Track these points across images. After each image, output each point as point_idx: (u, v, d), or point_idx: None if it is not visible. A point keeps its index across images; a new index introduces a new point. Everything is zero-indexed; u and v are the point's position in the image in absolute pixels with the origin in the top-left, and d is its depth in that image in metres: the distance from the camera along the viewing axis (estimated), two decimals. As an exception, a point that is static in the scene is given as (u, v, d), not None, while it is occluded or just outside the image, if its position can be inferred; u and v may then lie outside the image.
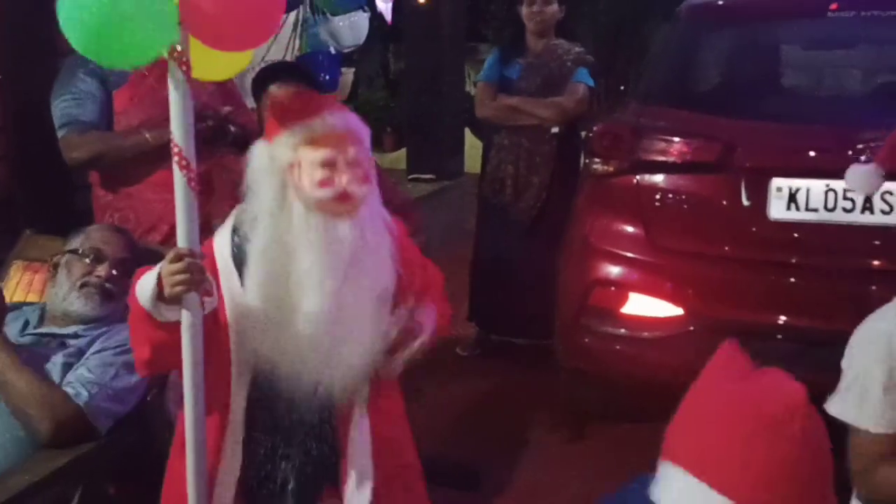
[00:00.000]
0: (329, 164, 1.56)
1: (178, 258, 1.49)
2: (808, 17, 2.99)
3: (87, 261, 2.12)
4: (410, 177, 6.85)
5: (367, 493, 1.69)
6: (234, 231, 1.70)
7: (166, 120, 2.53)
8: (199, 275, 1.50)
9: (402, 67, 8.46)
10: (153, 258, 2.25)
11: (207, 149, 2.55)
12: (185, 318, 1.53)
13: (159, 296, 1.51)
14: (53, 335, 2.07)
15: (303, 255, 1.58)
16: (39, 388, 1.85)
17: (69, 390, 1.88)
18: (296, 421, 1.70)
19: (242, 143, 2.51)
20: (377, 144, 8.69)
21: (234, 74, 1.81)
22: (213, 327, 1.63)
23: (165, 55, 1.48)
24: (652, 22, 7.51)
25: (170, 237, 2.57)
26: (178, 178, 1.52)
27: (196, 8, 1.42)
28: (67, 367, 1.97)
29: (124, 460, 2.02)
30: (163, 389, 2.17)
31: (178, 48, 1.47)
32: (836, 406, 1.57)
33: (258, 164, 1.64)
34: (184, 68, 1.49)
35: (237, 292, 1.64)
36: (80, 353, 2.01)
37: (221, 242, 1.71)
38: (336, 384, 1.64)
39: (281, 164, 1.60)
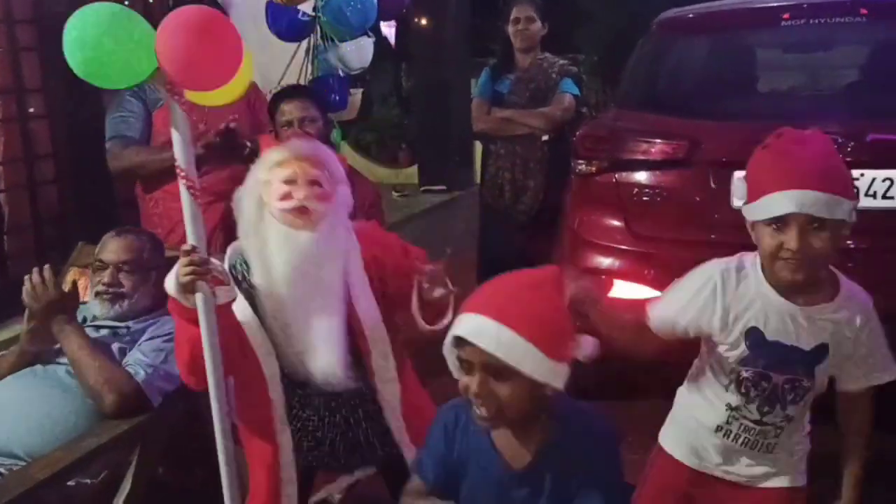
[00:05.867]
0: (290, 181, 1.84)
1: (186, 254, 1.77)
2: (765, 27, 3.28)
3: (94, 271, 2.44)
4: (423, 188, 7.14)
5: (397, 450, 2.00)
6: (232, 266, 1.99)
7: (194, 138, 2.90)
8: (204, 267, 1.76)
9: (413, 85, 8.77)
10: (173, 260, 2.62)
11: (221, 161, 2.91)
12: (199, 301, 1.79)
13: (182, 288, 1.79)
14: (108, 326, 2.40)
15: (272, 257, 1.87)
16: (106, 368, 2.17)
17: (129, 370, 2.21)
18: (331, 397, 1.99)
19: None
20: (393, 161, 9.06)
21: (230, 100, 2.04)
22: (237, 338, 1.90)
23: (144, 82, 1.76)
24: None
25: (184, 239, 2.94)
26: (183, 191, 1.80)
27: (167, 57, 1.68)
28: (122, 352, 2.30)
29: (173, 429, 2.35)
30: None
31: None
32: None
33: (245, 185, 1.93)
34: (176, 98, 1.77)
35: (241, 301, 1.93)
36: (133, 340, 2.34)
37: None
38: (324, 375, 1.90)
39: (258, 182, 1.89)
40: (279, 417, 1.98)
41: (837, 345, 1.70)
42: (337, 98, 3.59)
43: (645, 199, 3.03)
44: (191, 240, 1.80)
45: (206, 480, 2.47)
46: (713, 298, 1.75)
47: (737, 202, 2.86)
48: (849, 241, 2.71)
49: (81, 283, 2.69)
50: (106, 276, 2.40)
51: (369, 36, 3.70)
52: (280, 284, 1.87)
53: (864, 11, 3.01)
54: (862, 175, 2.70)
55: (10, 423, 2.15)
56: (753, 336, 1.71)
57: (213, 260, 1.84)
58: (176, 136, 1.79)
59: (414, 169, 7.69)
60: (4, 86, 3.44)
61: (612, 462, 1.51)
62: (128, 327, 2.40)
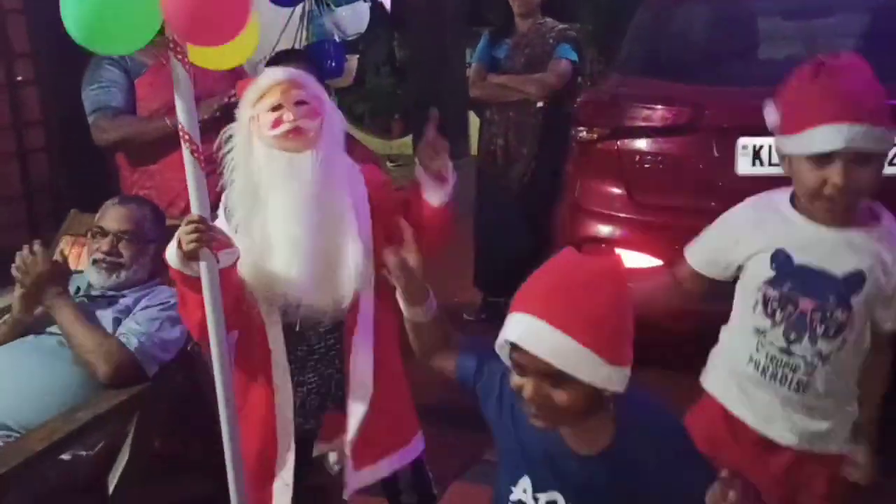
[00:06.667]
0: (276, 108, 1.81)
1: (190, 222, 1.73)
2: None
3: (93, 237, 2.39)
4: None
5: (365, 404, 1.95)
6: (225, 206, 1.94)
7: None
8: (208, 233, 1.73)
9: (407, 54, 8.66)
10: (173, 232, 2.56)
11: (216, 131, 2.83)
12: (203, 268, 1.76)
13: (185, 255, 1.75)
14: (103, 296, 2.36)
15: (273, 192, 1.81)
16: (99, 338, 2.15)
17: (121, 339, 2.18)
18: (305, 351, 1.96)
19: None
20: (386, 131, 8.97)
21: (238, 63, 1.98)
22: (237, 286, 1.86)
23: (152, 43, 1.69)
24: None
25: (185, 211, 2.85)
26: (187, 155, 1.74)
27: (171, 9, 1.61)
28: (117, 321, 2.27)
29: (172, 400, 2.32)
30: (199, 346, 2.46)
31: (176, 39, 1.68)
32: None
33: (234, 128, 1.88)
34: (179, 57, 1.70)
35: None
36: (128, 309, 2.31)
37: (219, 215, 1.95)
38: (334, 307, 1.86)
39: (244, 121, 1.85)
40: (280, 369, 1.93)
41: (882, 272, 1.62)
42: (333, 64, 3.52)
43: (647, 166, 2.99)
44: (195, 208, 1.76)
45: (204, 452, 2.46)
46: (743, 226, 1.73)
47: (741, 169, 2.82)
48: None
49: (74, 252, 2.67)
50: (105, 245, 2.35)
51: (365, 0, 3.62)
52: (287, 214, 1.81)
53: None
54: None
55: (2, 395, 2.11)
56: (780, 257, 1.65)
57: (216, 225, 1.80)
58: (179, 99, 1.73)
59: (408, 139, 7.62)
60: (-9, 51, 3.36)
61: (688, 449, 1.40)
62: (123, 296, 2.36)
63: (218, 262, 1.77)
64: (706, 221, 2.87)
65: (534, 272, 1.36)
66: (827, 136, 1.52)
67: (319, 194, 1.82)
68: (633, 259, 2.97)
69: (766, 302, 1.69)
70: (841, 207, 1.59)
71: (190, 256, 1.74)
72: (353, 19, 3.64)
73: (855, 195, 1.58)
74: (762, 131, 2.74)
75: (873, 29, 3.33)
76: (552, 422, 1.34)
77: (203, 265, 1.76)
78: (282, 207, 1.81)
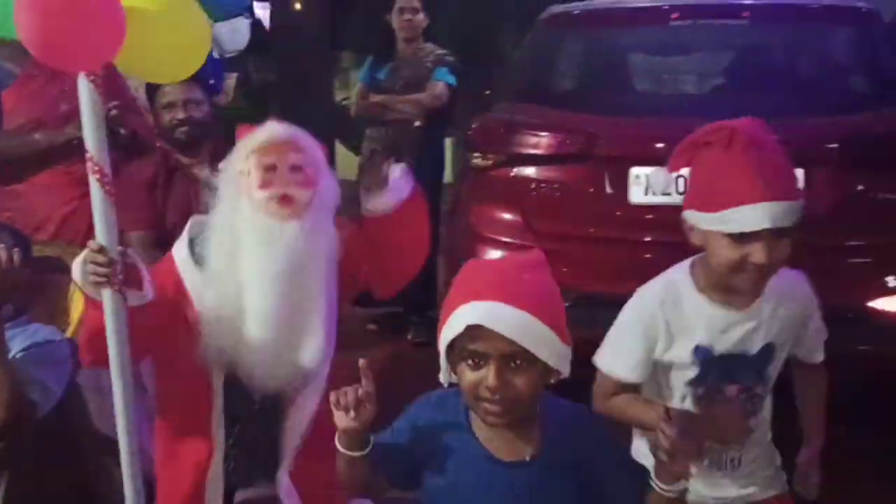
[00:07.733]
0: (270, 169, 1.69)
1: (93, 253, 1.59)
2: (654, 25, 3.34)
3: None
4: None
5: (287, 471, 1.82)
6: (192, 240, 1.80)
7: (56, 119, 2.59)
8: (109, 269, 1.59)
9: (268, 78, 8.43)
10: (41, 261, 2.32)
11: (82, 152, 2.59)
12: (106, 304, 1.62)
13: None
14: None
15: (250, 256, 1.70)
16: (11, 385, 1.86)
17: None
18: (247, 410, 1.81)
19: (134, 146, 2.58)
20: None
21: (185, 75, 1.85)
22: (186, 325, 1.73)
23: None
24: (507, 32, 7.94)
25: (56, 235, 2.63)
26: (95, 187, 1.61)
27: (23, 28, 1.49)
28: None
29: (41, 444, 2.06)
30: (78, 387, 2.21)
31: None
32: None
33: (223, 175, 1.77)
34: (91, 78, 1.57)
35: (200, 292, 1.74)
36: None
37: (180, 248, 1.81)
38: (287, 384, 1.76)
39: (234, 172, 1.73)
40: (218, 412, 1.79)
41: (788, 329, 1.65)
42: (212, 81, 3.34)
43: (542, 194, 3.00)
44: (100, 238, 1.61)
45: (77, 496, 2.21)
46: (657, 330, 1.64)
47: (634, 199, 2.88)
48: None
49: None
50: None
51: (246, 17, 3.48)
52: (260, 283, 1.70)
53: (746, 14, 3.14)
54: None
55: None
56: (701, 353, 1.62)
57: (129, 255, 1.65)
58: (87, 125, 1.59)
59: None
60: None
61: (611, 439, 1.45)
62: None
63: (125, 298, 1.63)
64: (602, 249, 2.97)
65: (460, 275, 1.40)
66: (750, 217, 1.47)
67: (296, 268, 1.71)
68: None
69: (693, 400, 1.65)
70: (762, 282, 1.58)
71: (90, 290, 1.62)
72: (233, 36, 3.50)
73: (775, 269, 1.56)
74: (654, 161, 2.89)
75: (762, 62, 3.47)
76: (509, 413, 1.34)
77: (107, 298, 1.62)
78: (256, 274, 1.70)
